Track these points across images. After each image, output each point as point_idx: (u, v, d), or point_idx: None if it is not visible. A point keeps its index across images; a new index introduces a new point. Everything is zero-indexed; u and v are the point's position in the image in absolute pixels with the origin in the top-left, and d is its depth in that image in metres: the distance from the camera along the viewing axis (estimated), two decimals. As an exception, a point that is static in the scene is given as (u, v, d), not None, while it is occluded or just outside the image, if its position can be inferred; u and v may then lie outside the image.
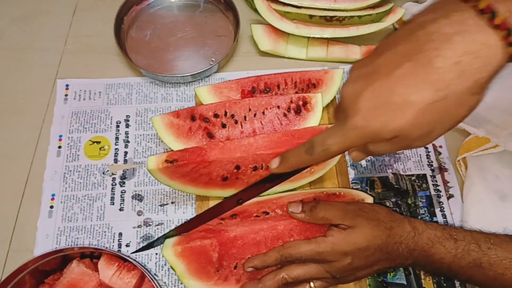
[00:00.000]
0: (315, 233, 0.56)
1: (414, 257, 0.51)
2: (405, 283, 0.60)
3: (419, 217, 0.65)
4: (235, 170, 0.61)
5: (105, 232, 0.64)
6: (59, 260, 0.57)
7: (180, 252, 0.55)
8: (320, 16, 0.76)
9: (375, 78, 0.37)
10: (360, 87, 0.37)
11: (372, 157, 0.70)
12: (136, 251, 0.61)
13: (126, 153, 0.70)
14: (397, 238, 0.51)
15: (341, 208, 0.52)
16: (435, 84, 0.34)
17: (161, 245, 0.57)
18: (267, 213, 0.60)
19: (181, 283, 0.61)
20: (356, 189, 0.67)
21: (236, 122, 0.67)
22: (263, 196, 0.60)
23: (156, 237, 0.63)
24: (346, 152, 0.69)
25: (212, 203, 0.63)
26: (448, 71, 0.34)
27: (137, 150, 0.70)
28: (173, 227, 0.64)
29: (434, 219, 0.65)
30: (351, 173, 0.68)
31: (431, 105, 0.35)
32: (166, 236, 0.57)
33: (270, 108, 0.67)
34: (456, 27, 0.33)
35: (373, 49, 0.40)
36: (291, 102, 0.67)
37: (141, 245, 0.63)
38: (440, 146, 0.71)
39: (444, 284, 0.60)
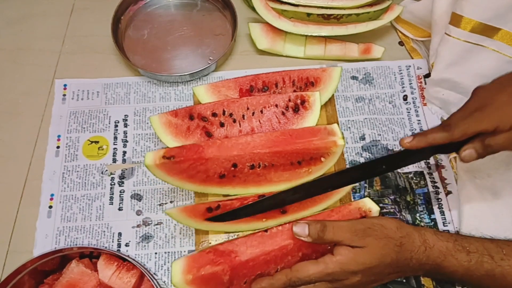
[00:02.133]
0: (324, 247, 0.56)
1: (425, 270, 0.51)
2: (404, 280, 0.60)
3: (418, 214, 0.65)
4: (232, 168, 0.61)
5: (104, 232, 0.64)
6: (58, 260, 0.57)
7: (190, 281, 0.54)
8: (318, 14, 0.76)
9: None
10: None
11: (370, 154, 0.70)
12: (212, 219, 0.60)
13: (124, 152, 0.70)
14: (408, 254, 0.50)
15: (349, 230, 0.51)
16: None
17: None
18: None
19: (181, 282, 0.61)
20: (356, 187, 0.67)
21: (234, 121, 0.67)
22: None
23: (154, 236, 0.64)
24: (345, 149, 0.69)
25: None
26: None
27: (135, 149, 0.70)
28: (172, 226, 0.65)
29: (432, 216, 0.65)
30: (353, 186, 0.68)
31: None
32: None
33: (268, 107, 0.67)
34: None
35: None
36: (289, 100, 0.67)
37: (140, 244, 0.63)
38: (438, 144, 0.71)
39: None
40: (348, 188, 0.63)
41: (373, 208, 0.59)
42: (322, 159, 0.63)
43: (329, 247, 0.57)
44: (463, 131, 0.50)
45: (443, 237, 0.52)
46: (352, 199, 0.66)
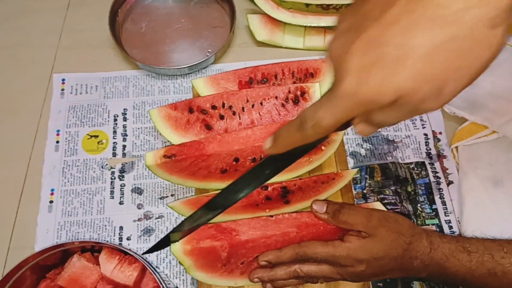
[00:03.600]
0: (328, 239, 0.57)
1: (428, 271, 0.51)
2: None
3: (419, 205, 0.65)
4: (234, 163, 0.61)
5: (105, 226, 0.64)
6: (60, 255, 0.57)
7: (189, 251, 0.55)
8: (317, 5, 0.76)
9: (363, 28, 0.28)
10: (347, 42, 0.29)
11: (370, 145, 0.70)
12: (148, 252, 0.56)
13: (124, 146, 0.70)
14: (414, 253, 0.50)
15: (364, 215, 0.52)
16: (438, 19, 0.25)
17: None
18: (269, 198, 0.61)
19: (183, 276, 0.61)
20: (357, 178, 0.67)
21: (234, 113, 0.66)
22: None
23: (156, 230, 0.64)
24: (346, 141, 0.69)
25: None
26: (454, 1, 0.25)
27: (135, 143, 0.70)
28: (173, 220, 0.64)
29: (434, 206, 0.65)
30: (351, 162, 0.68)
31: (437, 48, 0.26)
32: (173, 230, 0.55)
33: (268, 99, 0.67)
34: None
35: None
36: (289, 92, 0.67)
37: (142, 238, 0.63)
38: (440, 133, 0.70)
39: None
40: (350, 175, 0.63)
41: (376, 206, 0.59)
42: (323, 147, 0.63)
43: (336, 238, 0.57)
44: (317, 131, 0.34)
45: (446, 239, 0.52)
46: (354, 190, 0.66)
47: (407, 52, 0.26)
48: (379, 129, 0.69)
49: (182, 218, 0.64)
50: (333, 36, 0.31)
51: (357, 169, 0.67)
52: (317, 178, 0.62)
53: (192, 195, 0.66)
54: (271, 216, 0.58)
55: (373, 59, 0.28)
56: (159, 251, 0.63)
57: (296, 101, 0.67)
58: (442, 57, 0.26)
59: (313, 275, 0.52)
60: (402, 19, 0.27)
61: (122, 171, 0.68)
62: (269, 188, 0.61)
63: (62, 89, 0.74)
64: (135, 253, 0.54)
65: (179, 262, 0.56)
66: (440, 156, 0.69)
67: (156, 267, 0.61)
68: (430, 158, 0.69)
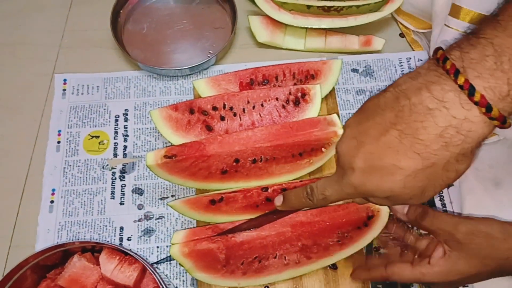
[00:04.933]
0: (324, 238, 0.58)
1: None
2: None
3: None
4: (234, 163, 0.61)
5: (106, 226, 0.64)
6: (60, 255, 0.57)
7: (187, 253, 0.56)
8: (318, 6, 0.76)
9: (365, 141, 0.38)
10: (353, 147, 0.39)
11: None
12: (158, 262, 0.62)
13: (125, 147, 0.70)
14: (511, 262, 0.46)
15: (450, 226, 0.48)
16: (421, 153, 0.35)
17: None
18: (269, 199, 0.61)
19: (183, 276, 0.61)
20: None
21: (234, 114, 0.66)
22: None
23: (156, 230, 0.64)
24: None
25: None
26: (433, 142, 0.34)
27: (136, 144, 0.70)
28: (173, 220, 0.65)
29: (433, 208, 0.65)
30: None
31: (419, 171, 0.36)
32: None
33: (269, 100, 0.67)
34: (436, 103, 0.34)
35: (363, 105, 0.41)
36: (290, 93, 0.67)
37: (142, 238, 0.63)
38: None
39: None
40: None
41: (383, 208, 0.59)
42: (323, 149, 0.63)
43: (330, 242, 0.58)
44: (325, 203, 0.45)
45: None
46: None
47: (396, 171, 0.36)
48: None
49: (183, 219, 0.64)
50: (342, 138, 0.41)
51: None
52: (316, 180, 0.62)
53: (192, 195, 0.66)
54: None
55: (373, 166, 0.37)
56: (159, 251, 0.63)
57: (296, 103, 0.67)
58: (422, 177, 0.36)
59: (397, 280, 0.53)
60: (394, 146, 0.36)
61: (123, 171, 0.68)
62: (269, 190, 0.61)
63: (64, 90, 0.74)
64: (135, 253, 0.55)
65: (180, 264, 0.57)
66: (440, 158, 0.69)
67: (156, 267, 0.62)
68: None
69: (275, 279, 0.59)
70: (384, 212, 0.59)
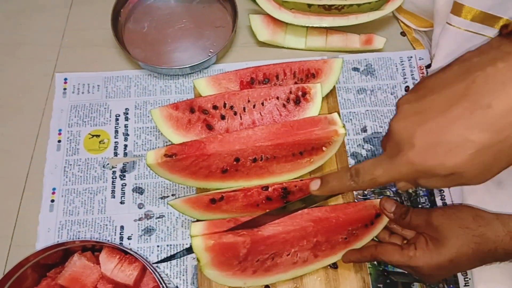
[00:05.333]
0: (337, 235, 0.58)
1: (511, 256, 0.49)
2: (406, 272, 0.60)
3: (420, 206, 0.65)
4: (235, 163, 0.61)
5: (106, 225, 0.64)
6: (60, 254, 0.57)
7: (210, 246, 0.55)
8: (319, 5, 0.75)
9: (429, 116, 0.37)
10: (413, 124, 0.38)
11: (372, 146, 0.70)
12: (163, 261, 0.61)
13: (126, 146, 0.70)
14: (491, 245, 0.47)
15: (424, 217, 0.51)
16: (493, 126, 0.34)
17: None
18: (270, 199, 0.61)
19: (183, 275, 0.61)
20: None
21: (235, 113, 0.66)
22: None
23: (156, 229, 0.64)
24: (347, 141, 0.69)
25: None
26: (505, 116, 0.34)
27: (136, 143, 0.70)
28: (173, 219, 0.65)
29: (435, 207, 0.65)
30: (351, 163, 0.68)
31: (491, 145, 0.35)
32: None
33: (269, 99, 0.67)
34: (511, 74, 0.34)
35: (419, 83, 0.40)
36: (290, 92, 0.67)
37: (143, 238, 0.63)
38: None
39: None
40: None
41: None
42: (324, 148, 0.63)
43: (340, 239, 0.59)
44: (371, 185, 0.44)
45: None
46: (354, 191, 0.66)
47: (466, 144, 0.35)
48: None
49: (183, 218, 0.64)
50: (398, 115, 0.40)
51: None
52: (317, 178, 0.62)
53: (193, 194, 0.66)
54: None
55: (437, 141, 0.36)
56: (159, 251, 0.63)
57: (297, 102, 0.67)
58: (491, 152, 0.35)
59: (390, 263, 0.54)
60: (465, 118, 0.35)
61: (123, 170, 0.68)
62: (270, 189, 0.61)
63: (64, 89, 0.74)
64: (136, 252, 0.54)
65: (197, 259, 0.55)
66: (442, 158, 0.68)
67: (157, 266, 0.62)
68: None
69: (279, 279, 0.58)
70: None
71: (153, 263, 0.62)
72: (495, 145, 0.35)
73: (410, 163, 0.38)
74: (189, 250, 0.59)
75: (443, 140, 0.36)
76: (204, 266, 0.55)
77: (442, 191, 0.66)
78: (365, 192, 0.66)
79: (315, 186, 0.49)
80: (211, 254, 0.55)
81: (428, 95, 0.38)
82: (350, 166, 0.67)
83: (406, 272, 0.59)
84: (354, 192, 0.65)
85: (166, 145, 0.61)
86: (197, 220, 0.60)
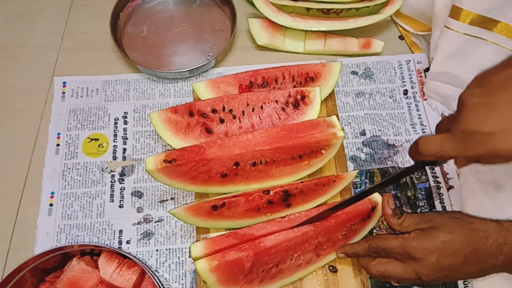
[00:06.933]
0: (337, 233, 0.59)
1: (505, 252, 0.49)
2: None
3: (419, 210, 0.65)
4: (234, 167, 0.61)
5: (105, 229, 0.64)
6: (59, 258, 0.57)
7: (215, 267, 0.54)
8: (318, 9, 0.76)
9: (498, 109, 0.44)
10: (484, 115, 0.44)
11: (370, 149, 0.70)
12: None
13: (124, 150, 0.70)
14: (482, 233, 0.49)
15: (418, 215, 0.53)
16: None
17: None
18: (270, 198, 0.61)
19: (182, 280, 0.61)
20: (357, 183, 0.67)
21: (234, 117, 0.66)
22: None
23: (155, 233, 0.64)
24: (346, 145, 0.69)
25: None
26: None
27: (135, 146, 0.70)
28: (173, 223, 0.64)
29: (434, 211, 0.65)
30: (350, 166, 0.68)
31: None
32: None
33: (268, 103, 0.67)
34: None
35: (481, 78, 0.46)
36: (289, 96, 0.67)
37: (142, 242, 0.63)
38: (439, 138, 0.70)
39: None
40: (350, 177, 0.64)
41: (380, 200, 0.60)
42: (323, 151, 0.63)
43: (340, 236, 0.59)
44: (434, 156, 0.49)
45: None
46: (353, 194, 0.66)
47: None
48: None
49: (182, 222, 0.64)
50: (467, 107, 0.45)
51: (357, 170, 0.67)
52: (318, 181, 0.62)
53: (192, 200, 0.66)
54: (283, 217, 0.59)
55: (508, 128, 0.43)
56: (158, 255, 0.63)
57: (296, 105, 0.67)
58: None
59: (388, 274, 0.53)
60: None
61: (122, 174, 0.68)
62: (271, 192, 0.61)
63: (63, 92, 0.74)
64: (135, 256, 0.54)
65: (203, 281, 0.54)
66: (441, 161, 0.69)
67: (156, 270, 0.61)
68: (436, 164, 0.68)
69: (286, 282, 0.58)
70: (381, 203, 0.60)
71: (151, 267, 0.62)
72: None
73: (481, 146, 0.44)
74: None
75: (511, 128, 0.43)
76: (212, 286, 0.54)
77: (441, 195, 0.66)
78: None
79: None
80: (217, 274, 0.54)
81: (494, 89, 0.44)
82: (349, 169, 0.67)
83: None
84: (351, 188, 0.66)
85: (165, 149, 0.61)
86: (198, 226, 0.59)
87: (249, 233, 0.58)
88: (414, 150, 0.50)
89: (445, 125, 0.50)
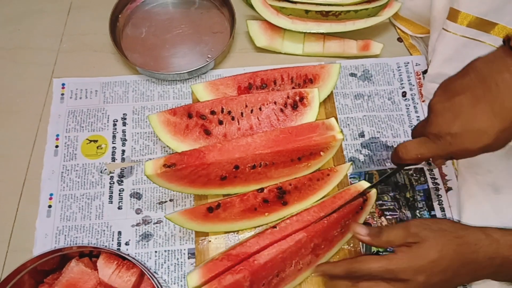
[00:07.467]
0: (332, 231, 0.59)
1: (496, 265, 0.48)
2: None
3: (417, 211, 0.65)
4: (234, 170, 0.61)
5: (104, 230, 0.64)
6: (58, 260, 0.57)
7: None
8: (316, 11, 0.76)
9: (460, 111, 0.49)
10: (449, 118, 0.50)
11: (369, 151, 0.70)
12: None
13: (123, 151, 0.70)
14: (473, 247, 0.47)
15: (402, 227, 0.50)
16: (499, 115, 0.47)
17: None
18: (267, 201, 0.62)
19: (181, 281, 0.61)
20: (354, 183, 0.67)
21: (233, 118, 0.66)
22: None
23: (154, 235, 0.64)
24: (344, 146, 0.69)
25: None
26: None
27: (134, 148, 0.70)
28: (171, 225, 0.64)
29: (432, 212, 0.65)
30: (350, 168, 0.68)
31: (504, 128, 0.47)
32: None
33: (267, 104, 0.67)
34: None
35: (444, 87, 0.52)
36: (288, 97, 0.67)
37: (140, 243, 0.63)
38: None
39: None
40: (344, 170, 0.65)
41: (373, 192, 0.61)
42: (322, 153, 0.63)
43: (335, 233, 0.59)
44: (415, 160, 0.55)
45: (508, 231, 0.49)
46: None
47: (490, 129, 0.48)
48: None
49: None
50: (435, 112, 0.51)
51: (350, 163, 0.67)
52: (311, 176, 0.62)
53: (191, 202, 0.66)
54: (274, 227, 0.58)
55: (471, 128, 0.49)
56: (157, 256, 0.63)
57: (294, 107, 0.67)
58: (504, 136, 0.48)
59: None
60: (487, 112, 0.48)
61: (121, 176, 0.68)
62: (265, 190, 0.61)
63: (62, 94, 0.74)
64: (133, 258, 0.54)
65: None
66: (439, 163, 0.69)
67: (155, 272, 0.61)
68: (429, 164, 0.69)
69: (290, 287, 0.58)
70: (372, 194, 0.62)
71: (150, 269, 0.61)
72: (508, 130, 0.47)
73: (451, 145, 0.50)
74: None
75: (474, 128, 0.48)
76: None
77: (440, 196, 0.66)
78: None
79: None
80: None
81: (456, 96, 0.50)
82: (353, 170, 0.68)
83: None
84: (348, 178, 0.67)
85: (164, 151, 0.61)
86: (195, 230, 0.59)
87: (242, 251, 0.56)
88: (395, 156, 0.56)
89: (419, 130, 0.56)
